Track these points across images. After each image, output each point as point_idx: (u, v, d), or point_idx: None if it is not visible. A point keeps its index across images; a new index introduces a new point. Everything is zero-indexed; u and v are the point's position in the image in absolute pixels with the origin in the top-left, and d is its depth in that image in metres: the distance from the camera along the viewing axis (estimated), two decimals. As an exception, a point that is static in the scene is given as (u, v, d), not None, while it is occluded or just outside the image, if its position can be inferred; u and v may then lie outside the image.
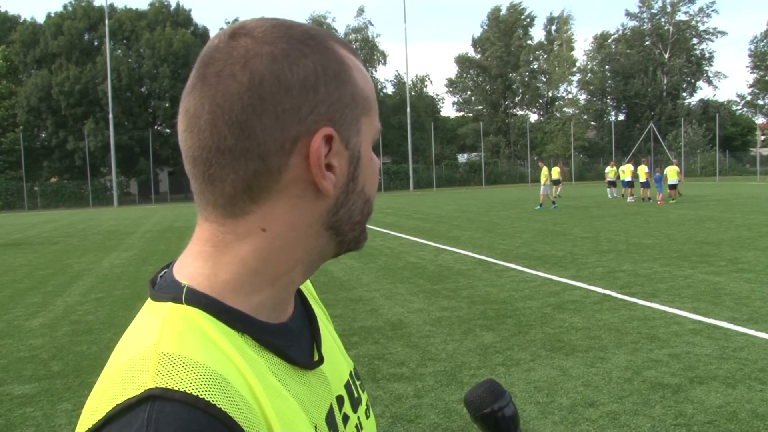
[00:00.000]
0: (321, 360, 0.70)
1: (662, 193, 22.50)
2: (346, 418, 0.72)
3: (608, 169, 28.24)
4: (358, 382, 0.80)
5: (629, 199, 24.70)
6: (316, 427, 0.63)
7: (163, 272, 0.68)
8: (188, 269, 0.65)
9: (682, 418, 3.92)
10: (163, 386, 0.52)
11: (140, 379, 0.53)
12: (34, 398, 4.79)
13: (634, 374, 4.70)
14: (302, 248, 0.65)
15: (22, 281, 10.58)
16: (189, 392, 0.52)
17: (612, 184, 27.51)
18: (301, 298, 0.76)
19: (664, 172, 24.04)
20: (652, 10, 60.19)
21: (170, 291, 0.63)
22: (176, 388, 0.52)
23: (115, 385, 0.54)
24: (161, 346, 0.56)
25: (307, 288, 0.83)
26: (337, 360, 0.77)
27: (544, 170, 22.37)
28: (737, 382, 4.47)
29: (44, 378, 5.26)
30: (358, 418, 0.75)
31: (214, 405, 0.53)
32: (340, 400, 0.72)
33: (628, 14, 63.39)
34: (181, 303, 0.61)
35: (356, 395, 0.77)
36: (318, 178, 0.62)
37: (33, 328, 7.09)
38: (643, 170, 23.98)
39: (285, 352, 0.65)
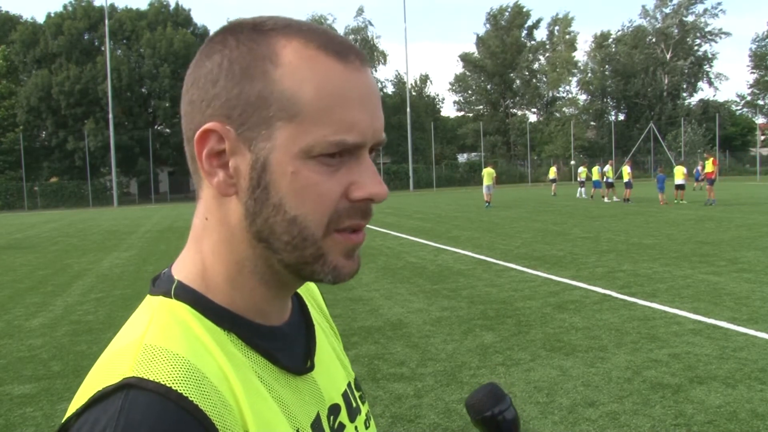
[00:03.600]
0: (312, 367, 0.70)
1: (663, 194, 22.46)
2: (341, 427, 0.72)
3: (581, 169, 30.09)
4: (357, 393, 0.80)
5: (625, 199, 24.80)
6: (298, 431, 0.63)
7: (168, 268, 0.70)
8: (182, 263, 0.67)
9: (682, 418, 3.92)
10: (140, 376, 0.54)
11: (121, 368, 0.55)
12: (34, 398, 4.79)
13: (634, 374, 4.70)
14: (241, 250, 0.64)
15: (22, 281, 10.58)
16: (163, 383, 0.54)
17: (601, 184, 27.90)
18: (300, 305, 0.76)
19: (605, 170, 26.66)
20: (666, 10, 60.04)
21: (164, 286, 0.65)
22: (151, 379, 0.54)
23: (99, 373, 0.57)
24: (146, 338, 0.58)
25: (315, 299, 0.84)
26: (334, 369, 0.77)
27: (490, 170, 24.65)
28: (737, 382, 4.47)
29: (44, 378, 5.26)
30: (356, 427, 0.75)
31: (186, 398, 0.54)
32: (335, 408, 0.72)
33: (643, 14, 62.95)
34: (170, 297, 0.63)
35: (354, 405, 0.77)
36: (203, 172, 0.62)
37: (33, 328, 7.09)
38: (610, 172, 26.28)
39: (273, 355, 0.65)
